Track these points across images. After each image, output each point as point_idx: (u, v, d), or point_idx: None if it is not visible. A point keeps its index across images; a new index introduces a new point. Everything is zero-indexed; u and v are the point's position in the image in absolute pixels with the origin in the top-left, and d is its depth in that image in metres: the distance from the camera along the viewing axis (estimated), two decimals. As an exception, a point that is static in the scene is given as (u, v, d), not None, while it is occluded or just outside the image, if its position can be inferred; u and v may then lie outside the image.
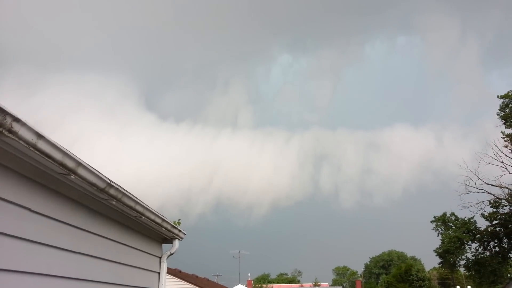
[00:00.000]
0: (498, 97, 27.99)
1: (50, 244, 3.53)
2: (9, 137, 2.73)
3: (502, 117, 27.71)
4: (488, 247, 30.80)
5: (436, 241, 33.61)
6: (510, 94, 27.46)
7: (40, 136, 2.96)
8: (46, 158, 3.11)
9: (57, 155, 3.19)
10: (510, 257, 30.64)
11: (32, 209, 3.29)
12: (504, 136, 27.29)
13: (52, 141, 3.10)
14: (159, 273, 6.32)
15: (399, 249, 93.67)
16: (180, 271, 19.07)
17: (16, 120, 2.72)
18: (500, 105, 27.84)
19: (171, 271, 16.44)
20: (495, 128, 28.31)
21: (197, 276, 22.68)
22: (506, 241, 30.00)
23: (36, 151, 2.98)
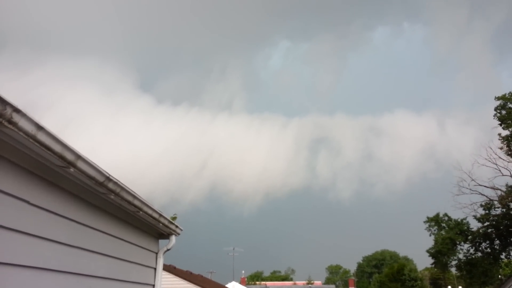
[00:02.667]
0: (495, 98, 28.17)
1: (47, 237, 3.49)
2: (9, 127, 2.68)
3: (499, 119, 27.87)
4: (480, 248, 31.05)
5: (428, 241, 33.86)
6: (506, 96, 27.65)
7: (40, 127, 2.91)
8: (46, 150, 3.06)
9: (57, 147, 3.14)
10: (501, 259, 30.94)
11: (31, 201, 3.24)
12: (500, 137, 27.47)
13: (52, 133, 3.05)
14: (155, 268, 6.28)
15: (391, 248, 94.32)
16: (175, 267, 19.04)
17: (16, 110, 2.67)
18: (498, 106, 27.99)
19: (166, 267, 16.40)
20: (492, 129, 28.46)
21: (191, 273, 22.66)
22: (498, 243, 30.26)
23: (35, 143, 2.93)
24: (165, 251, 6.55)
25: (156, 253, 6.42)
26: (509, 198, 27.76)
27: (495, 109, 28.13)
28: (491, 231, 29.72)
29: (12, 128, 2.69)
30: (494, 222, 29.35)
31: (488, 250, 30.58)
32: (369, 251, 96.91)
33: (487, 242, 30.51)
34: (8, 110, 2.61)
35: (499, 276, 34.34)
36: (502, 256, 30.53)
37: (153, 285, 6.18)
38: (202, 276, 26.72)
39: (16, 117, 2.67)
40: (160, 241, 6.65)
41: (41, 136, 2.95)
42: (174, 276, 17.58)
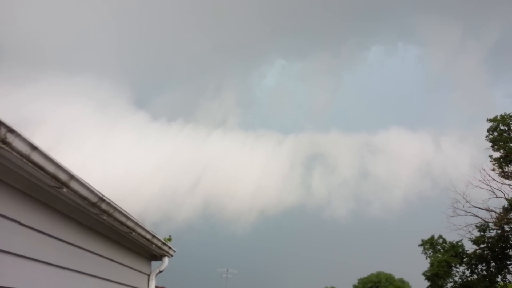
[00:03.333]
0: (487, 120, 28.57)
1: (38, 259, 3.43)
2: (3, 148, 2.68)
3: (490, 140, 28.21)
4: (476, 271, 30.83)
5: (423, 262, 33.54)
6: (498, 118, 28.04)
7: (34, 147, 2.90)
8: (39, 170, 3.05)
9: (50, 168, 3.13)
10: (498, 281, 30.67)
11: (22, 222, 3.20)
12: (492, 160, 27.75)
13: (46, 153, 3.04)
14: (147, 291, 6.17)
15: (387, 270, 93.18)
16: (167, 289, 18.66)
17: (11, 131, 2.68)
18: (490, 128, 28.37)
19: (158, 289, 16.08)
20: (484, 151, 28.75)
21: (183, 295, 22.20)
22: (494, 265, 30.09)
23: (29, 163, 2.92)
24: (158, 273, 6.44)
25: (148, 275, 6.31)
26: (505, 220, 27.77)
27: (488, 131, 28.51)
28: (486, 253, 29.59)
29: (6, 148, 2.69)
30: (489, 244, 29.26)
31: (484, 272, 30.36)
32: (365, 272, 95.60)
33: (483, 264, 30.32)
34: (2, 130, 2.61)
35: (496, 300, 33.95)
36: (498, 279, 30.29)
37: (145, 308, 6.06)
38: (195, 299, 26.18)
39: (10, 137, 2.67)
40: (153, 262, 6.54)
41: (35, 156, 2.94)
42: (166, 298, 17.21)
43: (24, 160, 2.86)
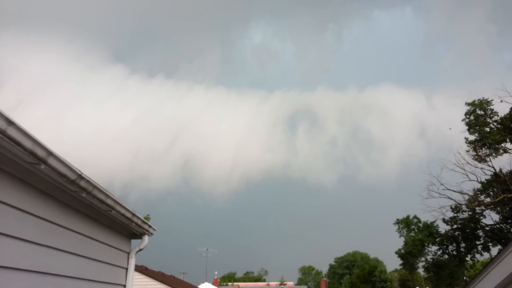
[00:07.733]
0: (465, 104, 29.21)
1: (15, 235, 3.39)
2: (-23, 122, 2.61)
3: (466, 124, 28.91)
4: (447, 251, 32.08)
5: (396, 241, 34.67)
6: (476, 102, 28.68)
7: (10, 122, 2.84)
8: (16, 146, 2.99)
9: (27, 143, 3.07)
10: (467, 261, 32.06)
11: (-2, 198, 3.14)
12: (467, 142, 28.57)
13: (23, 128, 2.98)
14: (126, 269, 6.19)
15: (362, 250, 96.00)
16: (147, 268, 18.76)
17: (-14, 104, 2.60)
18: (467, 111, 28.98)
19: (138, 268, 16.14)
20: (460, 133, 29.49)
21: (163, 274, 22.37)
22: (464, 245, 31.36)
23: (5, 138, 2.85)
24: (137, 251, 6.45)
25: (128, 253, 6.32)
26: (476, 202, 28.83)
27: (465, 114, 29.17)
28: (458, 234, 30.76)
29: (-19, 122, 2.61)
30: (461, 225, 30.39)
31: (455, 252, 31.63)
32: (341, 252, 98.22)
33: (454, 244, 31.55)
34: (-23, 104, 2.53)
35: (464, 278, 35.55)
36: (467, 258, 31.63)
37: (124, 286, 6.09)
38: (174, 277, 26.45)
39: (-15, 111, 2.60)
40: (133, 241, 6.55)
41: (11, 132, 2.87)
42: (146, 277, 17.33)
43: (0, 135, 2.80)
